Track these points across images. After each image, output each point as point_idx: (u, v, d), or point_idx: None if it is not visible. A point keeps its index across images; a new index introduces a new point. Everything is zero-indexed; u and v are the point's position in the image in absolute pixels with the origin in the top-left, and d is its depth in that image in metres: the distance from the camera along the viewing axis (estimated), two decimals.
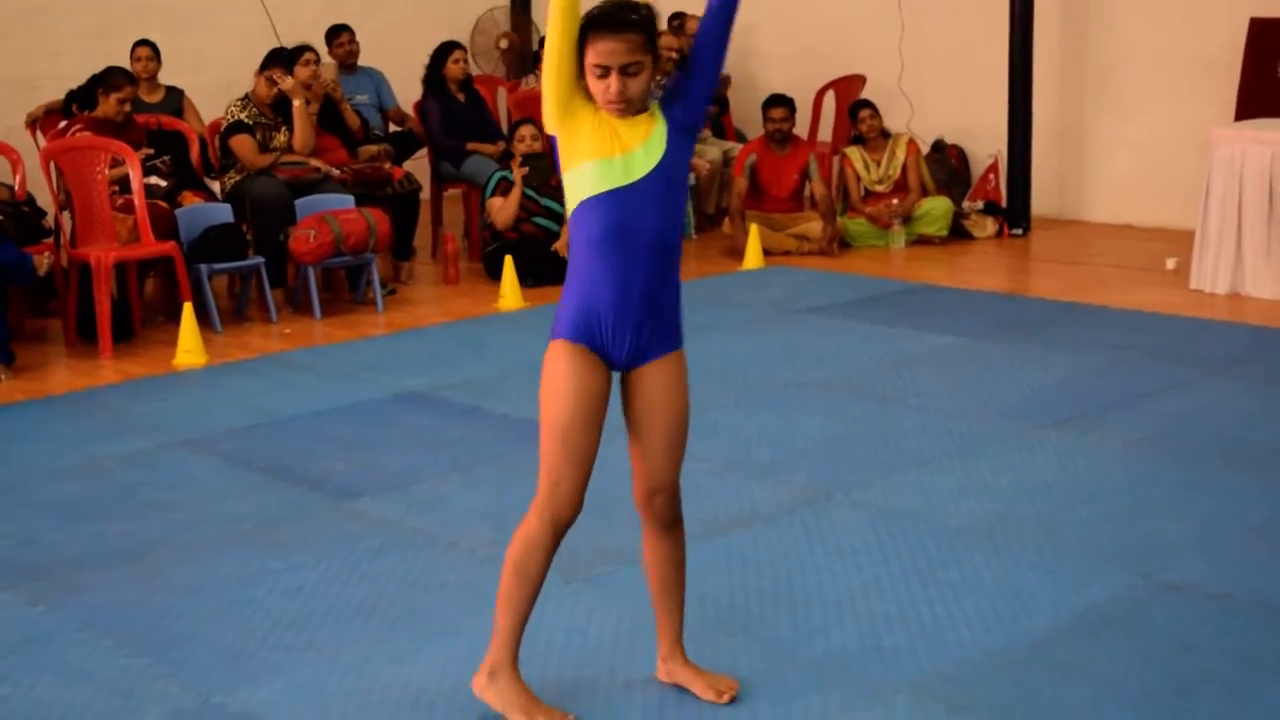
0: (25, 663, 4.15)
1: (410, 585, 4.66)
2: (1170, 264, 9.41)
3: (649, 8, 3.54)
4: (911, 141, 10.85)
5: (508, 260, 9.09)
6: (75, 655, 4.20)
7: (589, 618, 4.33)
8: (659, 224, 3.52)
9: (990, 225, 10.91)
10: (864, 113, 10.82)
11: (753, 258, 10.03)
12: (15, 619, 4.48)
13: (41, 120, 10.19)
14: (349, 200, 9.14)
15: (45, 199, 8.95)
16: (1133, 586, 4.48)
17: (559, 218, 9.72)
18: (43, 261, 7.77)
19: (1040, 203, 11.23)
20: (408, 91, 11.25)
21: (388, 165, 9.96)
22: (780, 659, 4.04)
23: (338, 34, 11.18)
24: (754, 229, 10.14)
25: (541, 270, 9.41)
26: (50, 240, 8.52)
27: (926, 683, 3.89)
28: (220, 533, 5.19)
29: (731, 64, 12.35)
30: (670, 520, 3.72)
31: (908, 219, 10.62)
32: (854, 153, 10.82)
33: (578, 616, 4.34)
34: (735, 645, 4.13)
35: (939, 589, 4.50)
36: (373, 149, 10.18)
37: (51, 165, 8.58)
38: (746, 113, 12.18)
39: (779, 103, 10.64)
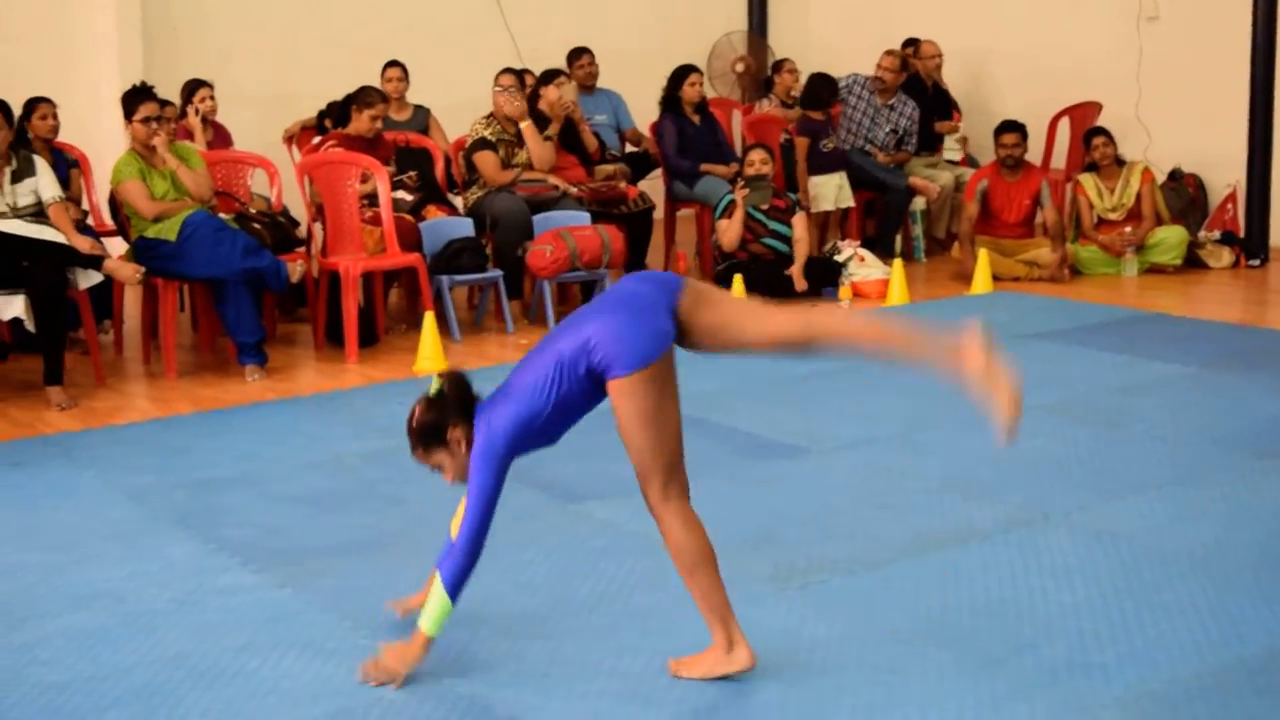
0: (273, 639, 4.46)
1: (632, 585, 4.85)
2: None
3: None
4: (1146, 170, 10.73)
5: (736, 278, 9.27)
6: (317, 634, 4.49)
7: (801, 623, 4.48)
8: None
9: (1226, 255, 10.75)
10: (1098, 140, 10.75)
11: (981, 282, 10.05)
12: (265, 600, 4.80)
13: (297, 136, 10.71)
14: (585, 217, 9.42)
15: (300, 210, 9.41)
16: None
17: (787, 240, 9.87)
18: (295, 269, 8.14)
19: None
20: (645, 113, 11.51)
21: (623, 184, 10.21)
22: (989, 670, 4.13)
23: (579, 56, 11.50)
24: (983, 254, 10.16)
25: (770, 289, 9.54)
26: (303, 249, 8.94)
27: (1134, 700, 3.94)
28: None
29: (964, 89, 12.39)
30: None
31: (1140, 247, 10.53)
32: (1087, 180, 10.76)
33: (791, 621, 4.49)
34: (944, 656, 4.23)
35: (1151, 611, 4.53)
36: (609, 168, 10.44)
37: (306, 179, 9.02)
38: (979, 139, 12.16)
39: (1011, 129, 10.63)
